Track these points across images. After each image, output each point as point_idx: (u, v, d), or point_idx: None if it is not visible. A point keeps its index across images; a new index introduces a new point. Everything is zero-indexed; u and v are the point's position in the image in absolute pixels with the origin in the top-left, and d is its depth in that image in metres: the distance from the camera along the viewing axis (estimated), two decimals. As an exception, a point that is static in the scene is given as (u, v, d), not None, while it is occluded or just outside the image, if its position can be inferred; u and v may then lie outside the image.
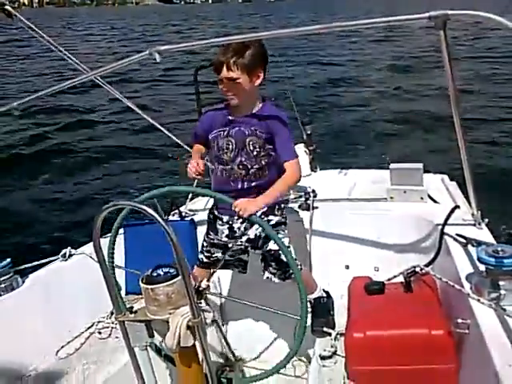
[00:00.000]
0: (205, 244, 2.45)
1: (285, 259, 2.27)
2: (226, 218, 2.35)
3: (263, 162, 2.22)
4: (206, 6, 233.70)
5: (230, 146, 2.23)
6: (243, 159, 2.22)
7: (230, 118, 2.24)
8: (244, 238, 2.35)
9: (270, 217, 2.29)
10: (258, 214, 2.17)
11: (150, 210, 1.66)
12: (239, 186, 2.25)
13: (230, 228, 2.34)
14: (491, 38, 20.69)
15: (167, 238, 1.68)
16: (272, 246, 2.30)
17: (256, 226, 2.28)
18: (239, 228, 2.34)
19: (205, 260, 2.44)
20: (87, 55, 22.95)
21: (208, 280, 2.31)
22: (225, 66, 2.09)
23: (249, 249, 2.42)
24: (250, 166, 2.22)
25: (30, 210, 7.51)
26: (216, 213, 2.39)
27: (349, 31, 23.83)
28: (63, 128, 12.28)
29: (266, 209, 2.23)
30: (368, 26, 2.20)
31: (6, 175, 8.98)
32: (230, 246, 2.36)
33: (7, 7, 2.71)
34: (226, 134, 2.23)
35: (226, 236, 2.36)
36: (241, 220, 2.29)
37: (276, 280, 2.34)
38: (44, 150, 10.43)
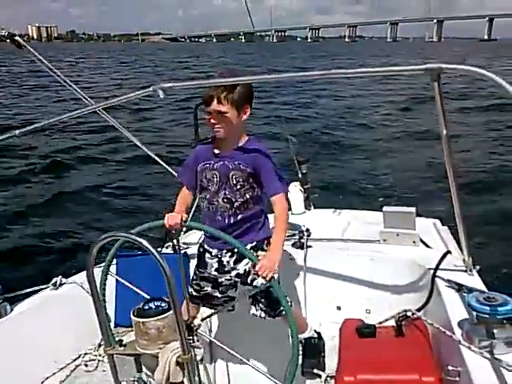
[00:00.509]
0: (194, 277, 2.44)
1: (273, 295, 2.29)
2: (214, 252, 2.36)
3: (247, 196, 2.26)
4: (211, 44, 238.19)
5: (215, 179, 2.27)
6: (227, 192, 2.25)
7: (216, 151, 2.29)
8: (233, 273, 2.35)
9: (259, 252, 2.28)
10: (248, 246, 2.20)
11: (145, 243, 1.67)
12: (226, 222, 2.27)
13: (219, 262, 2.34)
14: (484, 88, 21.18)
15: (160, 270, 1.68)
16: (262, 282, 2.28)
17: (245, 261, 2.29)
18: (228, 262, 2.34)
19: (194, 293, 2.42)
20: (94, 88, 23.41)
21: (196, 316, 2.31)
22: (215, 99, 2.15)
23: (238, 284, 2.41)
24: (234, 200, 2.25)
25: (23, 237, 7.45)
26: (205, 246, 2.40)
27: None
28: (55, 162, 12.30)
29: (254, 243, 2.27)
30: (366, 75, 2.28)
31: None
32: (219, 280, 2.36)
33: (17, 38, 2.79)
34: (211, 167, 2.28)
35: (216, 270, 2.36)
36: (230, 254, 2.31)
37: (263, 316, 2.34)
38: (40, 182, 10.51)
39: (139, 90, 2.43)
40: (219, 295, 2.41)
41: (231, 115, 2.17)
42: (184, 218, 2.21)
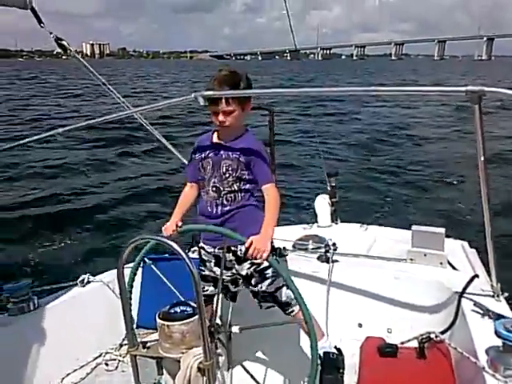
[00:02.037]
0: None
1: (282, 299, 2.36)
2: (208, 248, 2.41)
3: (235, 186, 2.30)
4: (255, 61, 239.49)
5: (208, 167, 2.35)
6: (216, 181, 2.32)
7: (214, 141, 2.37)
8: (235, 270, 2.40)
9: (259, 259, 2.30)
10: (243, 248, 2.21)
11: (176, 246, 1.70)
12: (214, 212, 2.33)
13: (216, 258, 2.38)
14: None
15: (189, 274, 1.70)
16: (266, 287, 2.36)
17: (247, 264, 2.34)
18: (231, 260, 2.38)
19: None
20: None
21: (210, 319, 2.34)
22: (223, 99, 2.24)
23: (239, 282, 2.46)
24: (221, 189, 2.31)
25: (56, 233, 7.72)
26: (202, 244, 2.46)
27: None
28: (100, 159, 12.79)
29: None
30: (406, 94, 2.29)
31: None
32: (218, 277, 2.38)
33: (64, 42, 2.90)
34: (206, 155, 2.36)
35: (216, 264, 2.40)
36: (230, 253, 2.34)
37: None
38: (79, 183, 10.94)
39: (180, 97, 2.49)
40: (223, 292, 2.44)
41: (237, 113, 2.28)
42: (179, 224, 2.30)
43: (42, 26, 2.95)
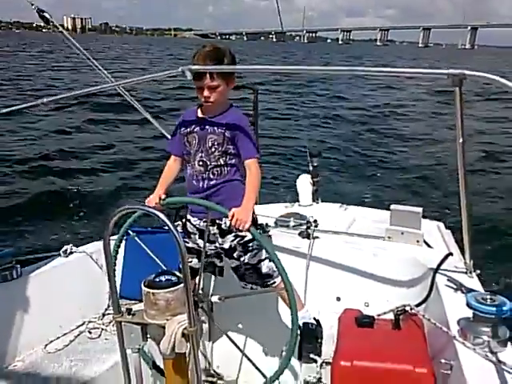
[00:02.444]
0: None
1: (264, 271, 2.42)
2: (194, 221, 2.45)
3: (221, 161, 2.34)
4: (240, 41, 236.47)
5: (194, 142, 2.38)
6: (202, 155, 2.35)
7: (199, 116, 2.40)
8: (218, 244, 2.45)
9: (244, 232, 2.35)
10: (228, 221, 2.26)
11: (162, 216, 1.73)
12: (200, 186, 2.37)
13: (201, 231, 2.42)
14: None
15: (174, 246, 1.74)
16: (249, 259, 2.42)
17: (231, 237, 2.39)
18: (214, 234, 2.42)
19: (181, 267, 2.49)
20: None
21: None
22: (208, 75, 2.26)
23: (222, 255, 2.51)
24: (208, 163, 2.35)
25: (41, 204, 7.75)
26: (188, 216, 2.49)
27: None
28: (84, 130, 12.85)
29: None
30: (392, 75, 2.34)
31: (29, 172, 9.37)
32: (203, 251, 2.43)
33: (46, 14, 2.88)
34: (191, 130, 2.39)
35: (200, 237, 2.43)
36: (214, 226, 2.39)
37: (253, 287, 2.47)
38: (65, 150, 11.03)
39: (167, 71, 2.49)
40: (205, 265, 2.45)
41: (222, 88, 2.30)
42: (163, 197, 2.33)
43: None
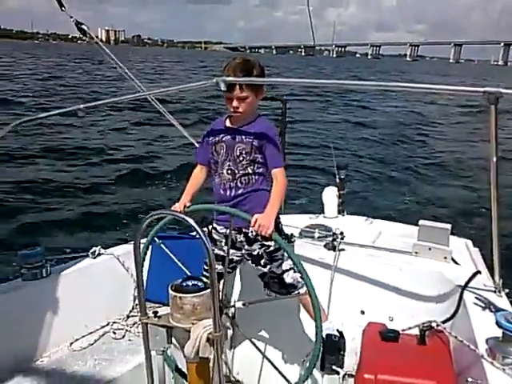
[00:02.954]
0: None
1: (288, 281, 2.42)
2: (220, 229, 2.48)
3: (249, 170, 2.37)
4: (269, 55, 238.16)
5: (222, 151, 2.40)
6: (230, 164, 2.38)
7: (228, 125, 2.44)
8: (244, 251, 2.47)
9: (270, 242, 2.39)
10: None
11: (192, 222, 1.76)
12: (228, 194, 2.40)
13: (227, 238, 2.40)
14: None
15: (200, 251, 1.76)
16: (276, 269, 2.43)
17: (257, 245, 2.41)
18: (241, 241, 2.46)
19: (204, 273, 2.49)
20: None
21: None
22: (237, 85, 2.31)
23: (248, 261, 2.52)
24: (236, 172, 2.37)
25: (72, 209, 7.97)
26: (214, 224, 2.52)
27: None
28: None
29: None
30: (425, 91, 2.33)
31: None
32: (229, 257, 2.43)
33: (83, 26, 2.98)
34: (220, 139, 2.42)
35: (226, 244, 2.42)
36: (241, 234, 2.42)
37: (276, 295, 2.49)
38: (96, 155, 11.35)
39: (201, 82, 2.55)
40: (229, 271, 2.52)
41: (251, 99, 2.35)
42: (188, 205, 2.37)
43: (62, 10, 3.01)
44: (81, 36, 3.21)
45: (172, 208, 2.37)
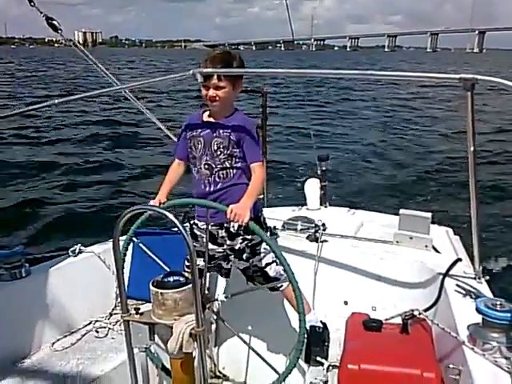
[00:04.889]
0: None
1: (271, 274, 2.42)
2: (203, 226, 2.44)
3: (227, 164, 2.36)
4: (249, 51, 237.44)
5: (199, 146, 2.39)
6: (208, 158, 2.37)
7: (205, 119, 2.42)
8: (226, 246, 2.46)
9: (252, 235, 2.38)
10: (236, 225, 2.31)
11: (172, 216, 1.74)
12: (207, 189, 2.39)
13: (209, 233, 2.41)
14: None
15: (180, 248, 1.75)
16: (258, 262, 2.43)
17: (240, 239, 2.40)
18: (223, 237, 2.44)
19: (186, 269, 2.49)
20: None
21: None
22: (215, 75, 2.29)
23: (231, 257, 2.52)
24: (214, 166, 2.36)
25: (49, 206, 7.85)
26: (195, 220, 2.50)
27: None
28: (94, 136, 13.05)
29: (243, 228, 2.32)
30: (402, 79, 2.34)
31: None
32: (211, 253, 2.45)
33: (54, 22, 2.93)
34: (197, 134, 2.40)
35: (209, 241, 2.42)
36: (222, 229, 2.41)
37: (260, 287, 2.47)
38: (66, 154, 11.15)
39: (177, 73, 2.52)
40: (210, 265, 2.48)
41: (228, 90, 2.32)
42: (163, 201, 2.35)
43: (32, 5, 2.94)
44: (57, 39, 3.16)
45: (150, 203, 2.34)
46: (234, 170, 2.37)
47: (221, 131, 2.34)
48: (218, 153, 2.34)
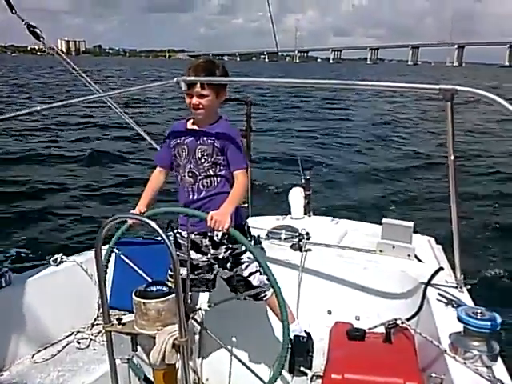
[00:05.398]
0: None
1: (254, 284, 2.40)
2: (185, 234, 2.42)
3: (211, 172, 2.35)
4: (233, 62, 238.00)
5: (183, 153, 2.38)
6: (192, 166, 2.36)
7: (189, 127, 2.41)
8: (210, 255, 2.44)
9: (236, 245, 2.37)
10: (219, 234, 2.30)
11: (154, 225, 1.73)
12: (190, 198, 2.38)
13: (192, 243, 2.41)
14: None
15: (163, 257, 1.73)
16: (242, 271, 2.41)
17: (223, 248, 2.38)
18: (207, 246, 2.42)
19: (169, 279, 2.44)
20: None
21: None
22: (199, 83, 2.29)
23: (215, 267, 2.50)
24: (197, 174, 2.35)
25: (32, 212, 7.83)
26: (179, 229, 2.49)
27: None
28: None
29: (227, 237, 2.33)
30: (383, 89, 2.38)
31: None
32: (194, 263, 2.43)
33: (36, 30, 2.92)
34: (182, 142, 2.40)
35: (191, 249, 2.42)
36: (205, 238, 2.39)
37: (245, 298, 2.46)
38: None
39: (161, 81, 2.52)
40: (195, 277, 2.47)
41: (211, 98, 2.32)
42: (143, 210, 2.32)
43: (13, 13, 2.93)
44: (40, 47, 3.15)
45: (131, 212, 2.32)
46: (218, 179, 2.36)
47: (205, 138, 2.34)
48: (202, 160, 2.34)
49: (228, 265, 2.43)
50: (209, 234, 2.38)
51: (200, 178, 2.35)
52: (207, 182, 2.35)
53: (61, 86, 32.08)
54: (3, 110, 18.91)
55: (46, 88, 33.48)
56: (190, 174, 2.36)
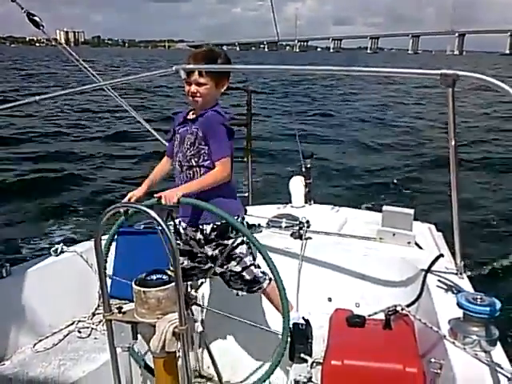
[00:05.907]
0: None
1: (248, 278, 2.38)
2: (184, 224, 2.40)
3: (193, 162, 2.28)
4: (233, 51, 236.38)
5: (176, 143, 2.37)
6: (181, 156, 2.33)
7: (185, 117, 2.39)
8: (200, 253, 2.42)
9: (226, 241, 2.34)
10: (208, 228, 2.29)
11: (154, 214, 1.73)
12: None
13: (178, 233, 2.40)
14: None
15: (167, 242, 1.73)
16: (232, 267, 2.38)
17: (213, 245, 2.35)
18: (195, 237, 2.37)
19: (170, 268, 2.47)
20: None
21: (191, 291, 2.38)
22: (197, 71, 2.27)
23: (208, 261, 2.47)
24: (182, 164, 2.32)
25: (32, 202, 7.82)
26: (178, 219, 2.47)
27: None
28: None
29: (211, 224, 2.29)
30: (384, 75, 2.36)
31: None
32: (194, 251, 2.42)
33: (36, 18, 2.89)
34: (177, 130, 2.39)
35: (190, 239, 2.40)
36: (184, 225, 2.38)
37: (241, 293, 2.46)
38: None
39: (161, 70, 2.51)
40: (196, 265, 2.47)
41: (209, 86, 2.29)
42: (138, 195, 2.28)
43: (12, 0, 2.90)
44: (39, 38, 3.15)
45: (129, 195, 2.29)
46: (201, 170, 2.28)
47: (193, 127, 2.29)
48: (186, 149, 2.29)
49: (219, 262, 2.38)
50: (200, 227, 2.33)
51: (185, 168, 2.31)
52: (190, 173, 2.30)
53: (68, 77, 32.00)
54: (20, 97, 19.03)
55: (60, 77, 33.62)
56: (178, 163, 2.34)
